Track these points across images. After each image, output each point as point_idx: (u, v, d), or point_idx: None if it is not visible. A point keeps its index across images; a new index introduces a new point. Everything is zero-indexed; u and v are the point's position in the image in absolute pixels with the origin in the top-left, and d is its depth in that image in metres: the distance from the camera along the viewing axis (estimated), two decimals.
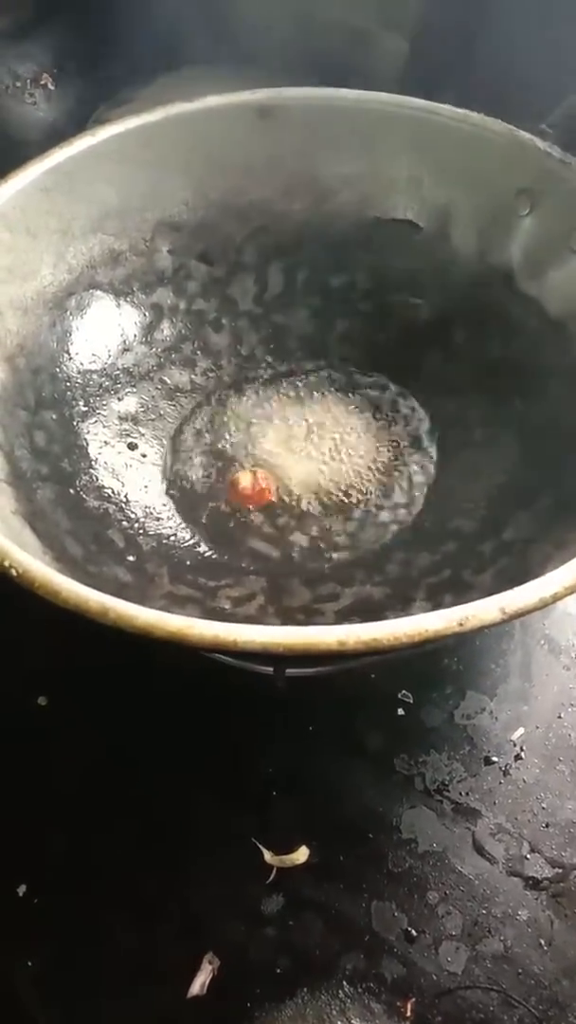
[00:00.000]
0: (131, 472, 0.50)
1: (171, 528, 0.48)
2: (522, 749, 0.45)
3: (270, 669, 0.43)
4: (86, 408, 0.50)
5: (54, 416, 0.48)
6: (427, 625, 0.29)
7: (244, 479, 0.50)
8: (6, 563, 0.32)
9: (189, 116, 0.52)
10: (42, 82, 0.81)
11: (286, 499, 0.49)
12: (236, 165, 0.53)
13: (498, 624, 0.30)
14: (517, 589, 0.31)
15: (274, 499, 0.49)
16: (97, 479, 0.48)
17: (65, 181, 0.49)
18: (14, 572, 0.32)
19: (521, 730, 0.45)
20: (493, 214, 0.50)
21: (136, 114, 0.51)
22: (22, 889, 0.41)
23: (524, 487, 0.45)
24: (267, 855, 0.41)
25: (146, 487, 0.49)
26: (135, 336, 0.53)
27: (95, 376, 0.51)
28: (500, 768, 0.44)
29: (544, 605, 0.31)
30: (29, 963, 0.39)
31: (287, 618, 0.43)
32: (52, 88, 0.81)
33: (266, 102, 0.52)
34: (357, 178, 0.53)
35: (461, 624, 0.29)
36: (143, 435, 0.52)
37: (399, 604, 0.43)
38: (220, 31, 0.87)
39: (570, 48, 0.54)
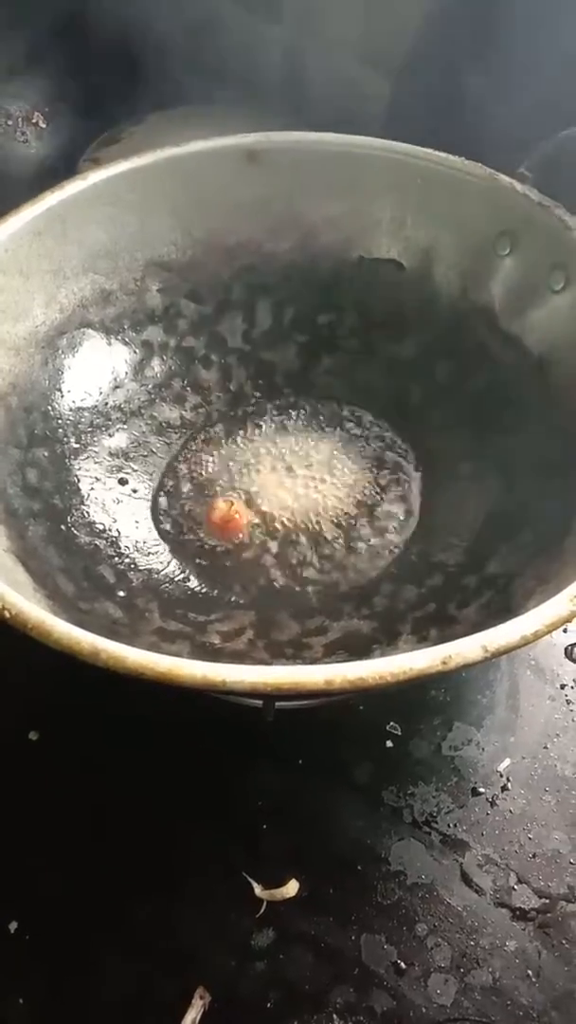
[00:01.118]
0: (122, 508, 0.50)
1: (161, 563, 0.49)
2: (508, 780, 0.45)
3: (259, 702, 0.44)
4: (78, 445, 0.51)
5: (46, 453, 0.49)
6: (411, 664, 0.30)
7: (218, 509, 0.50)
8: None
9: (178, 159, 0.53)
10: (34, 120, 0.82)
11: (274, 533, 0.50)
12: (224, 206, 0.54)
13: (481, 662, 0.31)
14: (500, 627, 0.31)
15: (246, 532, 0.50)
16: (88, 515, 0.49)
17: (57, 224, 0.50)
18: (7, 614, 0.32)
19: (507, 761, 0.46)
20: (474, 254, 0.51)
21: (126, 157, 0.53)
22: (13, 926, 0.41)
23: (506, 521, 0.46)
24: (257, 889, 0.42)
25: (137, 522, 0.50)
26: (126, 373, 0.54)
27: (86, 413, 0.52)
28: (487, 799, 0.45)
29: (526, 643, 0.31)
30: (21, 1000, 0.39)
31: (276, 652, 0.44)
32: (43, 126, 0.82)
33: (253, 146, 0.54)
34: (342, 219, 0.54)
35: (445, 663, 0.30)
36: (134, 471, 0.52)
37: (385, 638, 0.43)
38: (209, 71, 0.89)
39: (548, 93, 0.56)
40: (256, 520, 0.51)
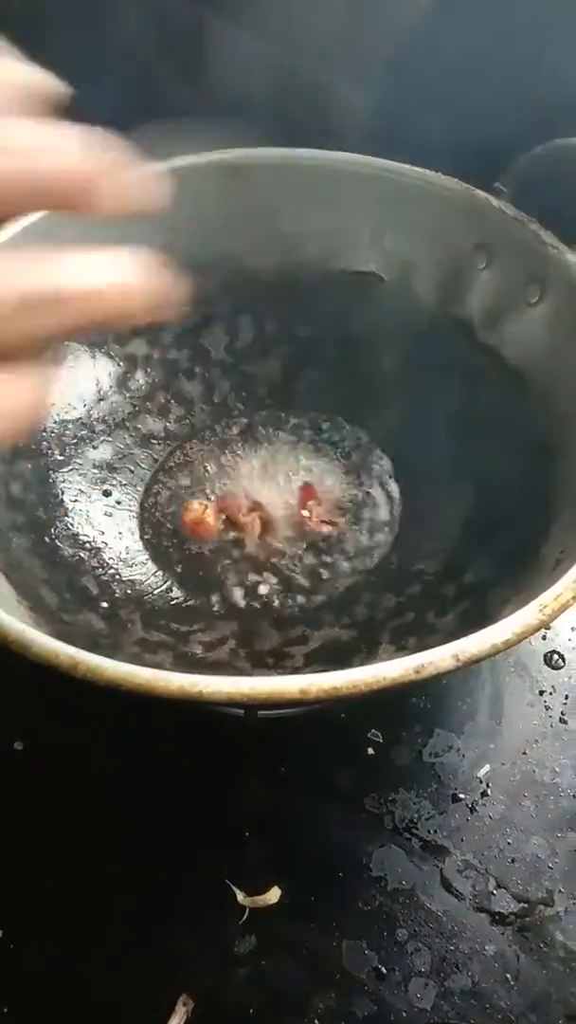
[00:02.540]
0: (106, 519, 0.51)
1: (144, 574, 0.49)
2: (488, 786, 0.46)
3: (241, 711, 0.44)
4: (62, 457, 0.51)
5: (30, 466, 0.49)
6: (384, 673, 0.30)
7: (191, 510, 0.52)
8: None
9: (159, 175, 0.53)
10: None
11: (256, 543, 0.51)
12: (206, 221, 0.55)
13: (455, 671, 0.31)
14: (471, 637, 0.32)
15: (215, 536, 0.51)
16: (72, 527, 0.49)
17: (37, 240, 0.50)
18: None
19: (487, 767, 0.47)
20: (452, 267, 0.52)
21: None
22: None
23: (484, 531, 0.46)
24: (240, 896, 0.42)
25: (120, 534, 0.51)
26: (110, 386, 0.55)
27: (71, 425, 0.53)
28: (467, 805, 0.45)
29: (497, 652, 0.32)
30: (5, 1008, 0.40)
31: (257, 662, 0.44)
32: None
33: (235, 161, 0.55)
34: (322, 233, 0.55)
35: (417, 672, 0.31)
36: (118, 482, 0.53)
37: (365, 647, 0.44)
38: (193, 85, 0.90)
39: (524, 108, 0.57)
40: (231, 526, 0.52)
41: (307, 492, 0.53)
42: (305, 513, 0.52)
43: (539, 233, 0.48)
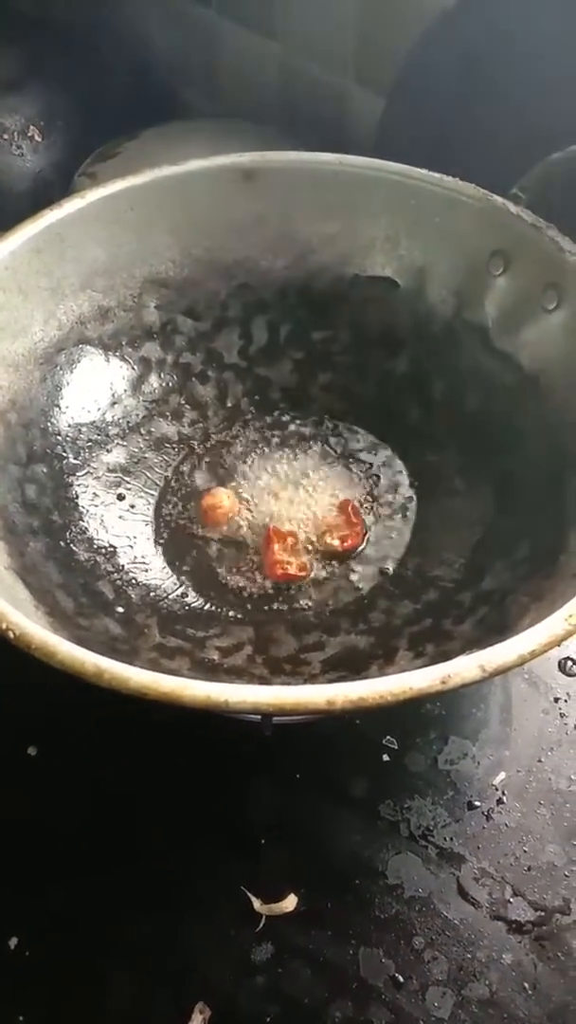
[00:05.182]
0: (120, 523, 0.51)
1: (159, 578, 0.49)
2: (504, 793, 0.46)
3: (258, 717, 0.44)
4: (76, 461, 0.51)
5: (45, 470, 0.49)
6: (411, 684, 0.30)
7: (211, 494, 0.52)
8: (3, 625, 0.33)
9: (175, 179, 0.53)
10: (30, 134, 0.83)
11: (270, 548, 0.50)
12: (220, 225, 0.55)
13: (480, 681, 0.31)
14: (497, 647, 0.32)
15: (231, 525, 0.51)
16: (87, 531, 0.49)
17: (56, 242, 0.50)
18: (11, 634, 0.33)
19: (503, 774, 0.47)
20: (468, 273, 0.52)
21: (123, 175, 0.53)
22: (13, 942, 0.41)
23: (501, 538, 0.46)
24: (256, 903, 0.42)
25: (135, 538, 0.51)
26: (124, 390, 0.55)
27: (85, 429, 0.52)
28: (483, 813, 0.45)
29: (524, 662, 0.32)
30: (21, 1017, 0.40)
31: (275, 668, 0.44)
32: (40, 140, 0.83)
33: (249, 165, 0.54)
34: (337, 237, 0.55)
35: (444, 682, 0.31)
36: (132, 486, 0.53)
37: (383, 653, 0.44)
38: (203, 87, 0.90)
39: (541, 114, 0.57)
40: (248, 523, 0.52)
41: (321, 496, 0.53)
42: (320, 519, 0.51)
43: (557, 239, 0.48)
